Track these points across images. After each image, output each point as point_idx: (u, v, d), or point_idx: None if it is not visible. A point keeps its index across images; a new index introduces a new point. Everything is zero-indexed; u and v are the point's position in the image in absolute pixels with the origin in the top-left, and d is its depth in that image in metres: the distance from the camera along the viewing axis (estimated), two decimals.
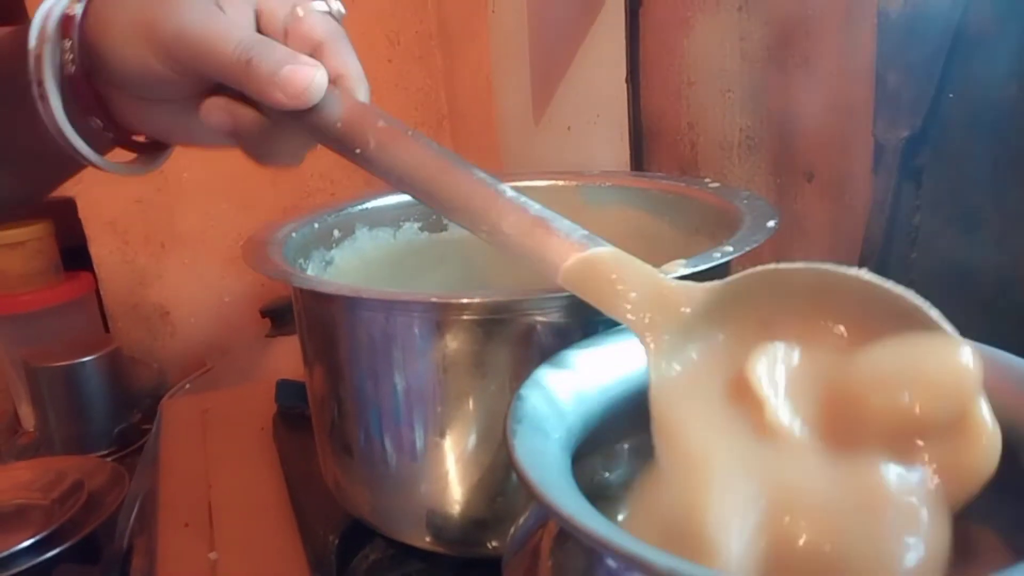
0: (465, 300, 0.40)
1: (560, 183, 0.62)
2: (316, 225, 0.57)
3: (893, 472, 0.27)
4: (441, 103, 1.43)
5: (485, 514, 0.43)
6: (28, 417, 1.31)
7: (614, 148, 0.86)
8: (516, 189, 0.36)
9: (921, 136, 0.49)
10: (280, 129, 0.38)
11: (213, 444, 0.72)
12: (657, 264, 0.34)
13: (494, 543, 0.44)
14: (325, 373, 0.48)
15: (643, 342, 0.32)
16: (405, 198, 0.61)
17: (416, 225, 0.62)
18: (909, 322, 0.28)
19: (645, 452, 0.32)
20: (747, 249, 0.41)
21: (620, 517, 0.34)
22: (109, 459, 1.17)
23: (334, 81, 0.38)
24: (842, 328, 0.30)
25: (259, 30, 0.38)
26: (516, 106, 1.10)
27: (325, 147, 0.39)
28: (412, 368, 0.42)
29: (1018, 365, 0.31)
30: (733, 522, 0.26)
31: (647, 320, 0.32)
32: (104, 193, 1.30)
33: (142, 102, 0.38)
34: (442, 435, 0.42)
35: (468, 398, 0.41)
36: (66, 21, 0.36)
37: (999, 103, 0.45)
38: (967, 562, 0.28)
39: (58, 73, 0.36)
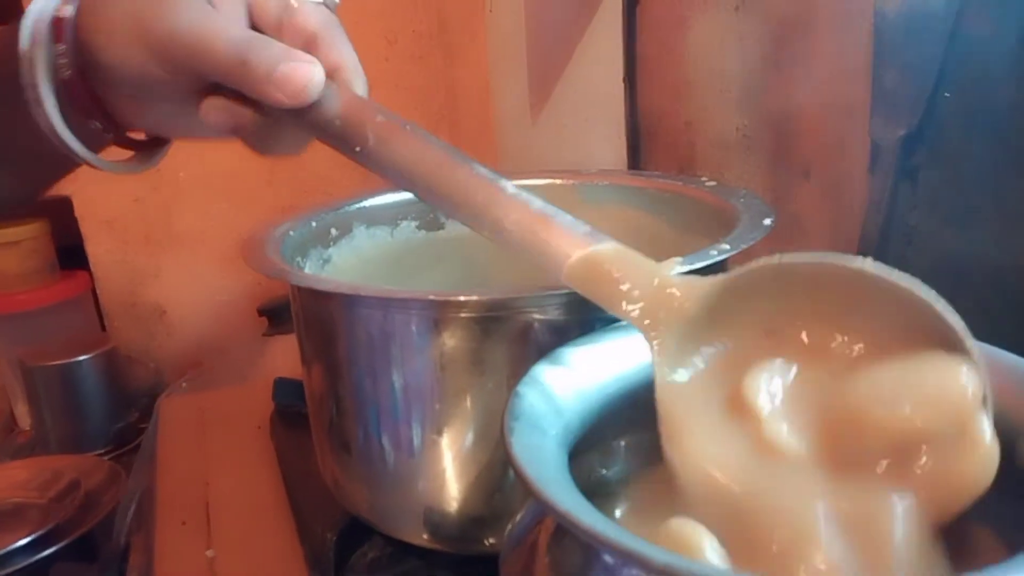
0: (463, 298, 0.40)
1: (558, 182, 0.62)
2: (314, 224, 0.57)
3: (886, 497, 0.27)
4: (439, 102, 1.43)
5: (483, 511, 0.43)
6: (24, 416, 1.31)
7: (612, 147, 0.86)
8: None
9: (918, 135, 0.49)
10: (280, 124, 0.38)
11: (210, 443, 0.72)
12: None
13: (492, 540, 0.44)
14: (323, 371, 0.48)
15: (647, 340, 0.32)
16: (402, 196, 0.62)
17: (413, 224, 0.62)
18: (913, 313, 0.28)
19: (642, 449, 0.32)
20: (743, 247, 0.41)
21: (617, 513, 0.34)
22: (106, 458, 1.16)
23: (331, 74, 0.37)
24: (846, 325, 0.30)
25: (252, 24, 0.38)
26: (514, 105, 1.10)
27: (324, 144, 0.39)
28: (410, 366, 0.42)
29: (1014, 363, 0.31)
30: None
31: (651, 318, 0.32)
32: (101, 192, 1.30)
33: (141, 101, 0.38)
34: (440, 433, 0.42)
35: (466, 395, 0.41)
36: (57, 23, 0.35)
37: (996, 102, 0.45)
38: (963, 559, 0.28)
39: (52, 77, 0.36)
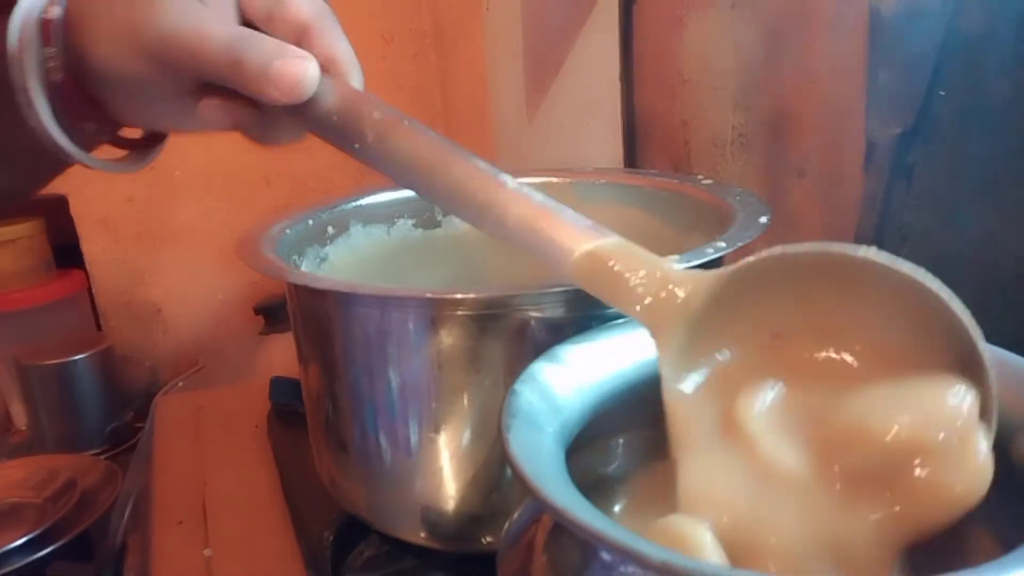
0: (460, 296, 0.40)
1: (554, 180, 0.62)
2: (310, 222, 0.57)
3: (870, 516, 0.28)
4: (435, 101, 1.43)
5: (480, 510, 0.44)
6: (20, 415, 1.31)
7: (608, 145, 0.86)
8: None
9: (912, 134, 0.49)
10: (280, 118, 0.38)
11: (207, 442, 0.72)
12: None
13: (489, 539, 0.44)
14: (320, 370, 0.48)
15: (652, 336, 0.31)
16: (399, 195, 0.62)
17: (410, 222, 0.62)
18: (919, 301, 0.28)
19: (639, 446, 0.33)
20: (740, 245, 0.41)
21: (615, 510, 0.34)
22: (102, 457, 1.16)
23: (325, 67, 0.37)
24: (852, 316, 0.30)
25: (242, 17, 0.37)
26: (510, 104, 1.10)
27: (323, 140, 0.38)
28: (407, 364, 0.42)
29: (1009, 361, 0.31)
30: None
31: (655, 313, 0.31)
32: (96, 191, 1.30)
33: (136, 100, 0.38)
34: (437, 431, 0.42)
35: (463, 394, 0.41)
36: (46, 25, 0.35)
37: (990, 101, 0.46)
38: (958, 556, 0.28)
39: (43, 79, 0.35)
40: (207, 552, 0.55)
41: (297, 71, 0.35)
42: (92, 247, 1.33)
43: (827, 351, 0.30)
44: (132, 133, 0.42)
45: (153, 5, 0.34)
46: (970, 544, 0.29)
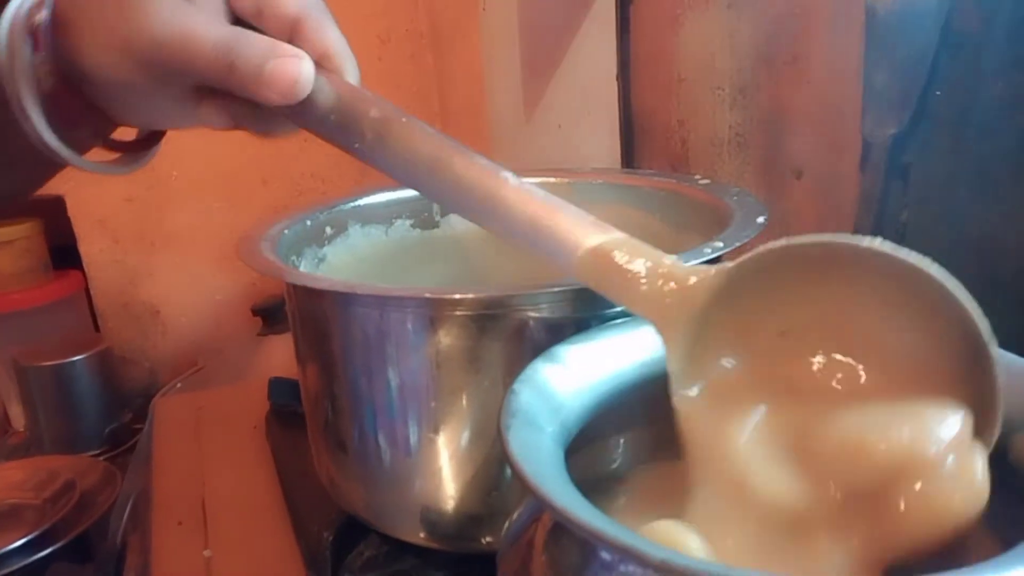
0: (458, 296, 0.40)
1: (552, 180, 0.62)
2: (308, 222, 0.57)
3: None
4: (432, 101, 1.43)
5: (479, 510, 0.44)
6: (18, 417, 1.31)
7: (605, 145, 0.86)
8: None
9: (908, 133, 0.49)
10: (280, 114, 0.38)
11: (206, 442, 0.72)
12: None
13: (488, 539, 0.44)
14: (319, 370, 0.48)
15: (659, 332, 0.31)
16: (397, 195, 0.62)
17: (408, 222, 0.62)
18: (925, 290, 0.27)
19: (639, 446, 0.33)
20: (737, 244, 0.41)
21: (614, 509, 0.34)
22: (101, 458, 1.16)
23: (319, 61, 0.36)
24: (858, 308, 0.29)
25: (231, 12, 0.37)
26: (507, 104, 1.10)
27: (322, 139, 0.38)
28: (406, 364, 0.42)
29: (1008, 361, 0.31)
30: None
31: (661, 309, 0.31)
32: (94, 192, 1.30)
33: (133, 102, 0.37)
34: (436, 431, 0.42)
35: (462, 394, 0.41)
36: (34, 32, 0.34)
37: (986, 100, 0.46)
38: (957, 555, 0.28)
39: (35, 87, 0.35)
40: (207, 553, 0.55)
41: (292, 71, 0.34)
42: (90, 248, 1.33)
43: (832, 355, 0.30)
44: (126, 135, 0.41)
45: (141, 12, 0.34)
46: (970, 544, 0.29)
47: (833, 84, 0.56)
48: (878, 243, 0.28)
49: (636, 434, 0.38)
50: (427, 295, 0.41)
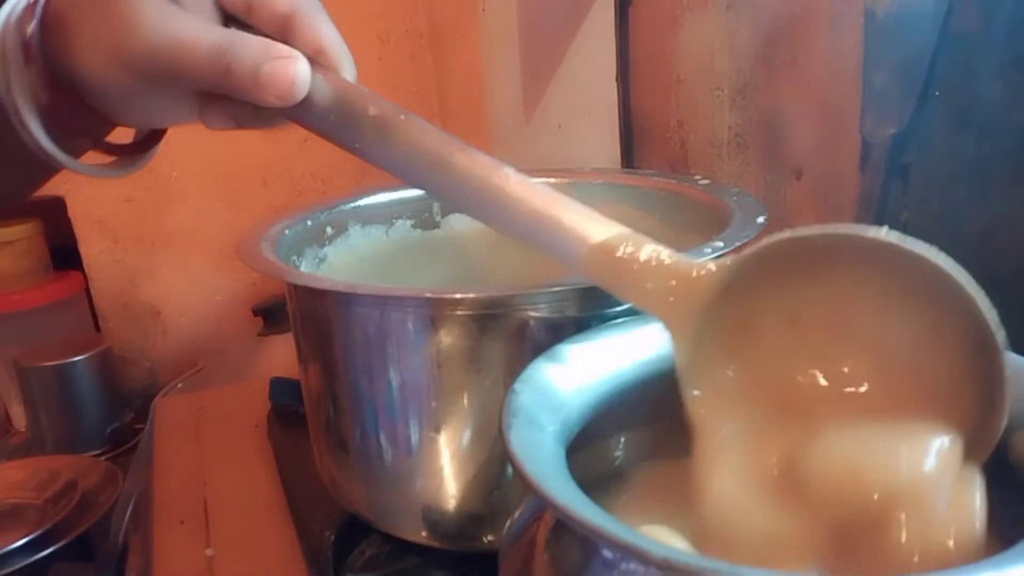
0: (459, 295, 0.40)
1: (552, 180, 0.62)
2: (309, 223, 0.57)
3: None
4: (432, 102, 1.43)
5: (481, 509, 0.44)
6: (19, 417, 1.31)
7: (605, 145, 0.86)
8: None
9: (908, 134, 0.50)
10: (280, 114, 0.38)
11: (207, 442, 0.72)
12: None
13: (490, 537, 0.44)
14: (320, 370, 0.48)
15: (667, 327, 0.31)
16: (397, 195, 0.62)
17: (409, 223, 0.63)
18: (932, 280, 0.27)
19: (640, 444, 0.33)
20: (737, 244, 0.41)
21: (617, 506, 0.34)
22: (102, 458, 1.16)
23: (314, 58, 0.36)
24: (865, 300, 0.29)
25: (221, 10, 0.36)
26: (507, 104, 1.10)
27: (322, 138, 0.38)
28: (407, 364, 0.42)
29: (1009, 359, 0.31)
30: None
31: (668, 304, 0.31)
32: (94, 192, 1.30)
33: (134, 107, 0.37)
34: (437, 430, 0.42)
35: (463, 393, 0.41)
36: (26, 45, 0.34)
37: (984, 101, 0.46)
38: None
39: (31, 98, 0.34)
40: (209, 552, 0.55)
41: (288, 72, 0.34)
42: (90, 248, 1.33)
43: (835, 352, 0.30)
44: (123, 138, 0.41)
45: (131, 20, 0.33)
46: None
47: (833, 84, 0.56)
48: (884, 233, 0.27)
49: (637, 433, 0.38)
50: (428, 295, 0.41)
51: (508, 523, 0.33)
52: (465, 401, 0.42)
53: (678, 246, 0.39)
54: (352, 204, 0.61)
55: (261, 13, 0.36)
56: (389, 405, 0.44)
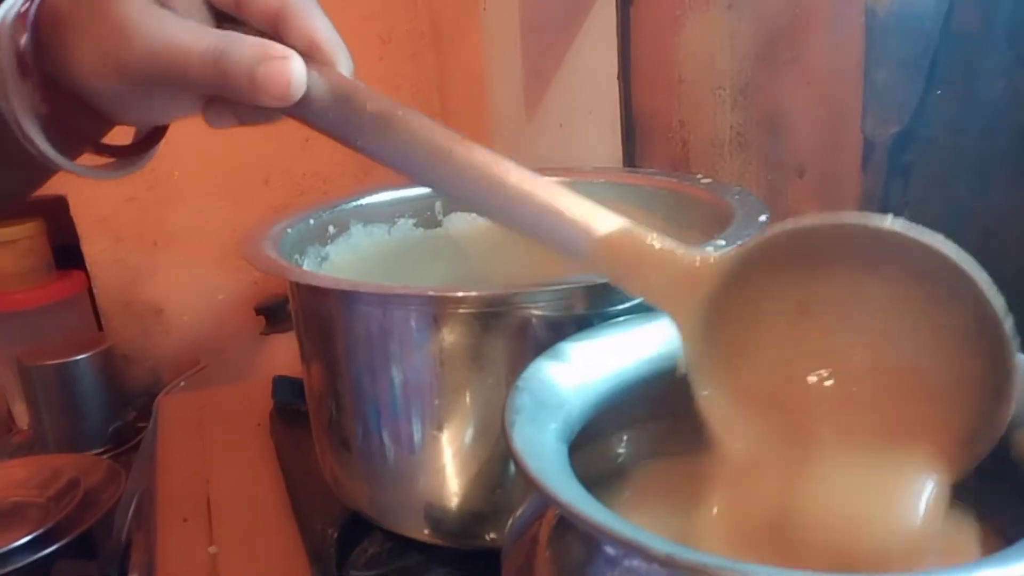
0: (462, 294, 0.40)
1: (553, 179, 0.62)
2: (311, 221, 0.57)
3: None
4: (433, 101, 1.43)
5: (483, 506, 0.44)
6: (22, 416, 1.31)
7: (606, 144, 0.86)
8: None
9: (909, 133, 0.50)
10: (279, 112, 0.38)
11: (210, 440, 0.72)
12: None
13: (492, 535, 0.44)
14: (323, 368, 0.48)
15: (673, 320, 0.31)
16: (399, 194, 0.62)
17: (411, 221, 0.63)
18: (939, 270, 0.27)
19: (642, 442, 0.33)
20: (739, 243, 0.41)
21: (620, 503, 0.34)
22: (104, 457, 1.17)
23: (308, 53, 0.35)
24: (871, 290, 0.29)
25: (211, 7, 0.36)
26: (508, 103, 1.10)
27: (323, 135, 0.38)
28: (409, 362, 0.42)
29: None
30: None
31: (674, 296, 0.31)
32: (96, 191, 1.30)
33: (134, 105, 0.37)
34: (440, 428, 0.43)
35: (465, 391, 0.42)
36: (21, 60, 0.34)
37: (986, 100, 0.46)
38: (960, 551, 0.28)
39: (31, 109, 0.34)
40: (212, 549, 0.55)
41: (284, 73, 0.34)
42: (92, 248, 1.34)
43: (837, 353, 0.30)
44: (124, 139, 0.42)
45: (123, 31, 0.33)
46: (971, 536, 0.30)
47: (834, 83, 0.56)
48: (890, 221, 0.27)
49: (639, 430, 0.38)
50: (430, 293, 0.41)
51: (510, 520, 0.33)
52: (467, 399, 0.42)
53: None
54: (354, 203, 0.61)
55: (251, 8, 0.36)
56: (391, 403, 0.44)
